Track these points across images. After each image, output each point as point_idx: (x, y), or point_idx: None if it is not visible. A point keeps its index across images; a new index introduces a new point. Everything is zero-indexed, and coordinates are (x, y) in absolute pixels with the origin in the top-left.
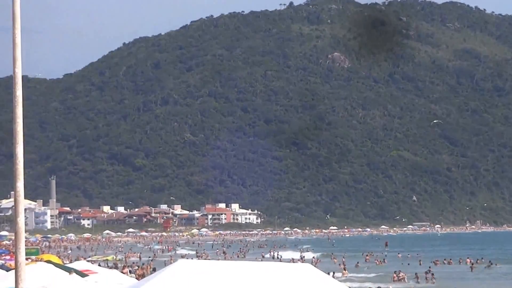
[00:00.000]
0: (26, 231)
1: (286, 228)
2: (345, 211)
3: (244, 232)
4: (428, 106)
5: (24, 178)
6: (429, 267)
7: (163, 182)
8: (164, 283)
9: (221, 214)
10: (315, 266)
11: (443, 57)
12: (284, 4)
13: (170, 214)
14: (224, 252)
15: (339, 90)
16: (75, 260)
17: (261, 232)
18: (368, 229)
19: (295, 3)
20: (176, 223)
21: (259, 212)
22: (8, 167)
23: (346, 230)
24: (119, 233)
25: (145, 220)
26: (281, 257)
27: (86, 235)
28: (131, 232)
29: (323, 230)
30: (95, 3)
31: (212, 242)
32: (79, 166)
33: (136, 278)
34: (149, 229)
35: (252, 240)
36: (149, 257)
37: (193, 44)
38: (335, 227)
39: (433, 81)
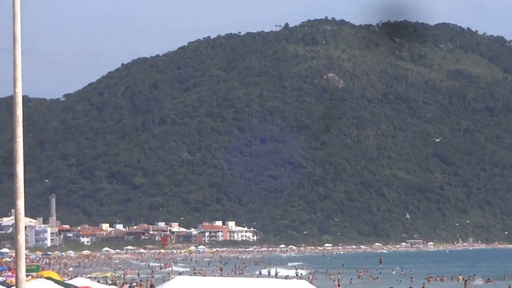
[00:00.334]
0: (26, 248)
1: (282, 246)
2: (340, 229)
3: (240, 249)
4: (421, 125)
5: (24, 196)
6: (423, 284)
7: (161, 200)
8: None
9: (218, 231)
10: (311, 282)
11: (436, 77)
12: (280, 26)
13: (168, 232)
14: (221, 269)
15: (334, 110)
16: (75, 276)
17: (257, 249)
18: (363, 246)
19: (290, 25)
20: (174, 240)
21: (255, 230)
22: (8, 186)
23: (341, 247)
24: (117, 250)
25: (143, 237)
26: (277, 273)
27: (86, 252)
28: (130, 249)
29: (318, 247)
30: (94, 24)
31: (209, 259)
32: (79, 185)
33: None
34: (147, 246)
35: (248, 257)
36: (147, 273)
37: (190, 65)
38: (330, 244)
39: (426, 101)
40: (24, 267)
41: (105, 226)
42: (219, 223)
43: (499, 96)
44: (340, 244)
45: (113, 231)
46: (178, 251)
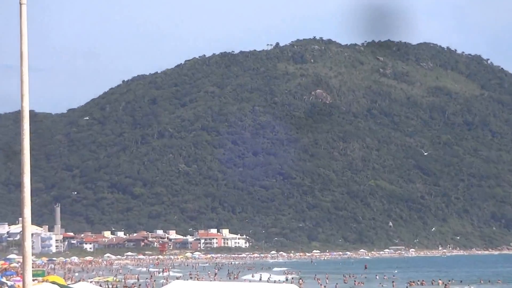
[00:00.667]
0: (33, 255)
1: (273, 252)
2: (327, 236)
3: (233, 255)
4: (403, 139)
5: (31, 206)
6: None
7: (159, 209)
8: None
9: (213, 238)
10: (300, 286)
11: (417, 93)
12: (271, 45)
13: (166, 239)
14: (215, 274)
15: (322, 124)
16: (78, 281)
17: (249, 255)
18: (348, 253)
19: (281, 44)
20: (171, 247)
21: (247, 237)
22: (16, 195)
23: (328, 254)
24: (118, 256)
25: (143, 244)
26: (269, 278)
27: (88, 258)
28: (130, 255)
29: (307, 254)
30: (97, 43)
31: (204, 265)
32: (82, 194)
33: None
34: (146, 252)
35: (241, 262)
36: (147, 278)
37: (187, 82)
38: (317, 251)
39: (408, 116)
40: (31, 272)
41: (107, 233)
42: (213, 230)
43: (477, 111)
44: (327, 251)
45: (114, 238)
46: (175, 257)
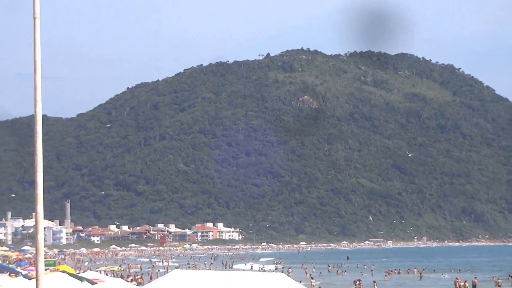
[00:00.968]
0: (45, 246)
1: (263, 244)
2: (313, 229)
3: (228, 246)
4: (382, 141)
5: (43, 202)
6: (385, 276)
7: (160, 205)
8: None
9: (209, 231)
10: (288, 275)
11: (395, 99)
12: (262, 55)
13: (166, 232)
14: (211, 263)
15: (308, 127)
16: (86, 270)
17: (242, 246)
18: (332, 244)
19: (271, 54)
20: (171, 239)
21: (240, 230)
22: (30, 193)
23: (313, 245)
24: (123, 248)
25: (145, 236)
26: (261, 268)
27: (96, 249)
28: (133, 247)
29: (294, 245)
30: (104, 53)
31: (201, 255)
32: (90, 192)
33: (137, 285)
34: (148, 244)
35: (234, 253)
36: (148, 267)
37: (185, 89)
38: (304, 243)
39: (387, 120)
40: (43, 262)
41: (113, 227)
42: (209, 224)
43: (449, 116)
44: (313, 243)
45: (119, 231)
46: (175, 248)
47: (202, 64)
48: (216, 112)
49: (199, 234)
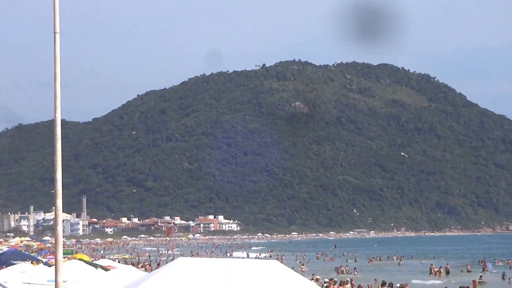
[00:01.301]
0: (63, 237)
1: (259, 234)
2: (303, 221)
3: (227, 237)
4: (365, 142)
5: (62, 197)
6: (368, 263)
7: (167, 199)
8: (167, 275)
9: (210, 223)
10: (281, 262)
11: (377, 105)
12: (258, 65)
13: (172, 224)
14: (212, 252)
15: (299, 130)
16: (100, 258)
17: (239, 236)
18: (320, 234)
19: (266, 65)
20: (177, 230)
21: (238, 222)
22: (50, 189)
23: (304, 235)
24: (133, 238)
25: (153, 228)
26: (258, 256)
27: (109, 239)
28: (143, 237)
29: (287, 235)
30: (117, 64)
31: (203, 244)
32: (104, 188)
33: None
34: (156, 234)
35: (233, 243)
36: (156, 255)
37: (190, 96)
38: (295, 233)
39: (370, 123)
40: (62, 251)
41: (124, 219)
42: (211, 217)
43: (425, 120)
44: (303, 233)
45: (130, 223)
46: (180, 238)
47: (204, 74)
48: (217, 116)
49: (202, 225)
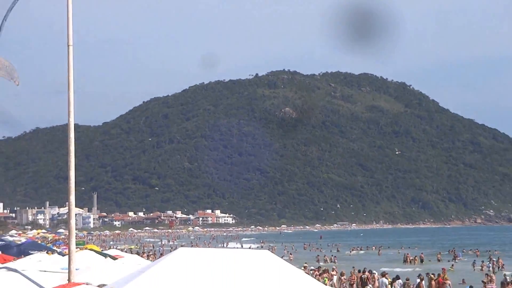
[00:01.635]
0: (76, 229)
1: (252, 226)
2: (292, 215)
3: (223, 229)
4: (348, 144)
5: (75, 193)
6: (350, 251)
7: (169, 195)
8: (169, 263)
9: (208, 217)
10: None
11: (359, 110)
12: (252, 75)
13: (174, 217)
14: (209, 242)
15: (289, 133)
16: (109, 248)
17: (234, 229)
18: (307, 227)
19: (259, 74)
20: (178, 223)
21: (233, 216)
22: (64, 186)
23: (292, 228)
24: (139, 230)
25: (157, 221)
26: (250, 246)
27: (117, 231)
28: (147, 229)
29: (277, 228)
30: (125, 73)
31: (201, 236)
32: (113, 185)
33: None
34: (159, 227)
35: (229, 234)
36: (159, 246)
37: (190, 102)
38: (285, 226)
39: (352, 127)
40: (74, 242)
41: (131, 213)
42: (209, 211)
43: (402, 124)
44: (292, 225)
45: (136, 217)
46: (180, 230)
47: (203, 82)
48: (214, 121)
49: (200, 219)
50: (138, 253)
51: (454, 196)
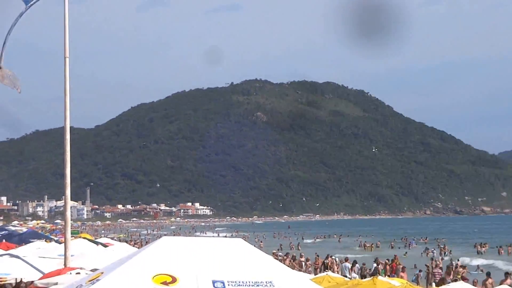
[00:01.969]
0: (71, 220)
1: (227, 217)
2: (263, 207)
3: (202, 220)
4: (312, 144)
5: (70, 188)
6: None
7: (154, 190)
8: (154, 250)
9: (189, 209)
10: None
11: (323, 115)
12: (228, 83)
13: (158, 209)
14: (189, 232)
15: (260, 135)
16: (101, 237)
17: (212, 220)
18: (276, 218)
19: (234, 83)
20: (162, 214)
21: (211, 208)
22: (60, 182)
23: (263, 218)
24: (127, 221)
25: (143, 213)
26: (226, 235)
27: (107, 222)
28: (134, 220)
29: (249, 219)
30: (115, 82)
31: (182, 226)
32: (104, 181)
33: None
34: (145, 218)
35: (206, 224)
36: (145, 235)
37: (173, 107)
38: (256, 217)
39: (316, 129)
40: (70, 231)
41: (120, 206)
42: (189, 204)
43: (360, 126)
44: (263, 217)
45: (124, 209)
46: (164, 221)
47: (184, 90)
48: (194, 124)
49: (182, 211)
50: (126, 241)
51: (406, 190)
